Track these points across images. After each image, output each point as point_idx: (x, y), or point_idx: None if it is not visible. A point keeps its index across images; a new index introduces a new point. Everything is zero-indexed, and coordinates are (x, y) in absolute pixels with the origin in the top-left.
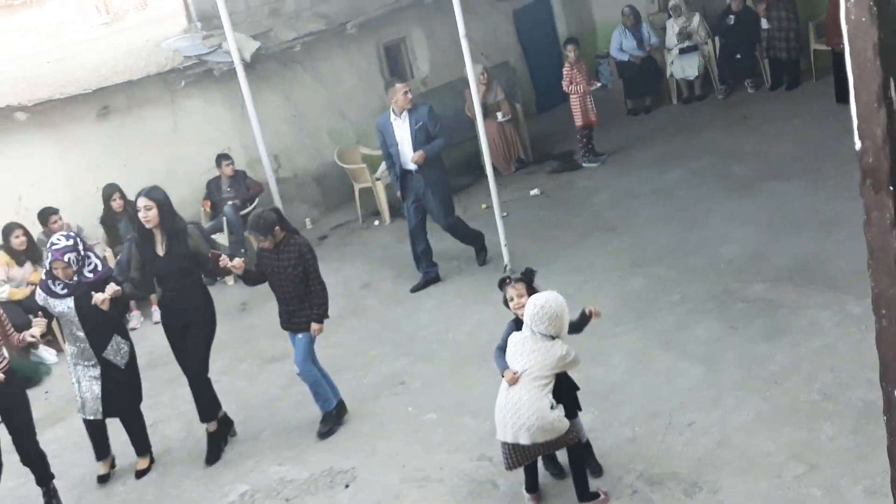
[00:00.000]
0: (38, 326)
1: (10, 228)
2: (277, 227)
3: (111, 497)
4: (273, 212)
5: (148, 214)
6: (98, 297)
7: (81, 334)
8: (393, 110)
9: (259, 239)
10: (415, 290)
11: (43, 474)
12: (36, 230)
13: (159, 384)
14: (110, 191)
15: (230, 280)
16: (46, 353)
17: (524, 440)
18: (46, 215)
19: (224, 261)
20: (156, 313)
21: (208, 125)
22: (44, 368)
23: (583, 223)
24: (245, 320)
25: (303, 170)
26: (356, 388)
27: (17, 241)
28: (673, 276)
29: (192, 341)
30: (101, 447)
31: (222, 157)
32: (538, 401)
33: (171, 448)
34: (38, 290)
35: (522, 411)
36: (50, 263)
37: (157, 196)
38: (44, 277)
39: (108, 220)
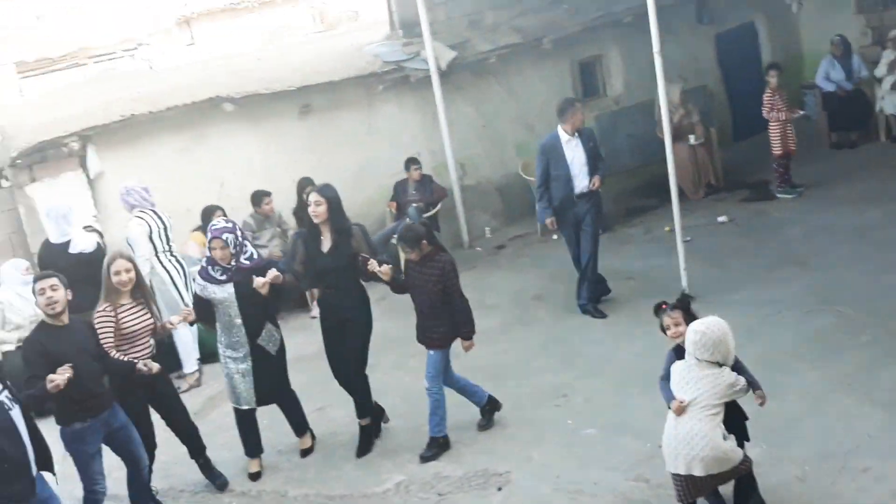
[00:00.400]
0: (183, 314)
1: (210, 210)
2: (424, 241)
3: (276, 472)
4: (422, 226)
5: (318, 210)
6: (258, 281)
7: (238, 321)
8: (565, 131)
9: (406, 250)
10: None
11: (196, 447)
12: (236, 216)
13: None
14: (304, 184)
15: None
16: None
17: (698, 471)
18: (260, 196)
19: (373, 266)
20: (315, 310)
21: (400, 129)
22: None
23: (771, 255)
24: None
25: (486, 179)
26: (517, 396)
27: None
28: (863, 317)
29: (349, 340)
30: (252, 440)
31: (411, 162)
32: (710, 431)
33: (336, 431)
34: (197, 279)
35: (695, 442)
36: (209, 243)
37: (329, 193)
38: (204, 264)
39: (301, 212)
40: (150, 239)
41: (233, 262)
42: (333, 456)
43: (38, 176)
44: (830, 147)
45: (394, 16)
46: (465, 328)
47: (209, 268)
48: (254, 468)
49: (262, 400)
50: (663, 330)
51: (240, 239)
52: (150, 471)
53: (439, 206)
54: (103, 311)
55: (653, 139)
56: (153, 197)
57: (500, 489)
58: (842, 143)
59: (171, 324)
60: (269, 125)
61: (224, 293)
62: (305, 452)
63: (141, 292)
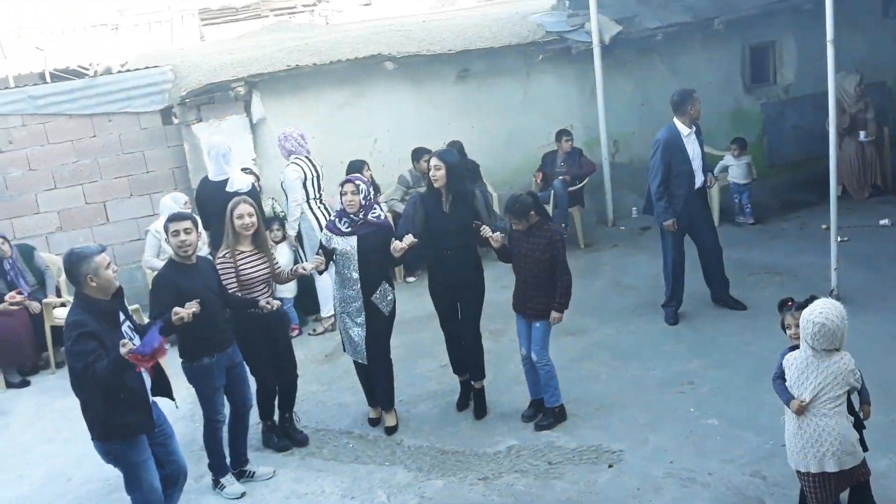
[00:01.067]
0: (314, 262)
1: (358, 164)
2: (532, 212)
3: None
4: (529, 196)
5: (437, 174)
6: (396, 245)
7: (356, 275)
8: (684, 123)
9: (514, 221)
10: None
11: (288, 402)
12: (385, 172)
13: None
14: (452, 146)
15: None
16: None
17: (831, 467)
18: (420, 153)
19: (485, 231)
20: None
21: (555, 101)
22: None
23: None
24: None
25: (639, 158)
26: (641, 378)
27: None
28: None
29: (465, 304)
30: (372, 389)
31: (563, 133)
32: (838, 424)
33: (456, 389)
34: (325, 230)
35: (823, 438)
36: (342, 186)
37: (448, 159)
38: (333, 216)
39: None
40: (304, 185)
41: (360, 214)
42: (451, 412)
43: (205, 116)
44: None
45: None
46: (562, 299)
47: (336, 220)
48: (373, 414)
49: (370, 358)
50: (783, 328)
51: (370, 194)
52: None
53: (587, 180)
54: (223, 257)
55: (821, 132)
56: (308, 144)
57: (610, 466)
58: None
59: (304, 269)
60: (426, 87)
61: (346, 245)
62: (390, 430)
63: (260, 239)
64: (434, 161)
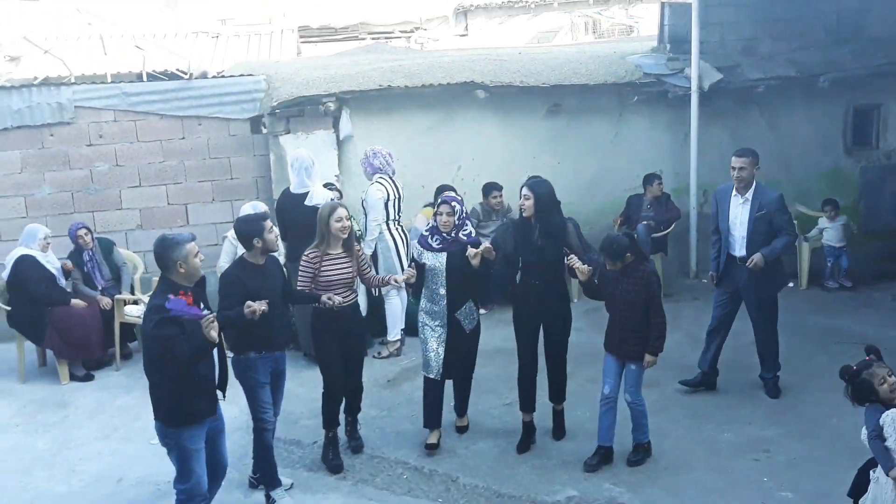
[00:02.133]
0: (406, 274)
1: (444, 189)
2: (629, 254)
3: (452, 456)
4: (626, 236)
5: (525, 203)
6: (472, 250)
7: (443, 291)
8: (736, 186)
9: (609, 262)
10: (685, 382)
11: (354, 405)
12: (466, 199)
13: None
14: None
15: None
16: None
17: None
18: (490, 189)
19: (572, 260)
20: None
21: (647, 144)
22: None
23: None
24: None
25: None
26: (714, 440)
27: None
28: None
29: (552, 334)
30: (434, 411)
31: (654, 177)
32: None
33: (518, 430)
34: (416, 244)
35: None
36: (438, 206)
37: (539, 190)
38: (424, 232)
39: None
40: (385, 205)
41: (452, 233)
42: (511, 453)
43: (293, 128)
44: None
45: (665, 29)
46: (657, 342)
47: (429, 236)
48: (432, 439)
49: (447, 373)
50: (869, 391)
51: (464, 214)
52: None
53: (672, 227)
54: (310, 257)
55: None
56: (394, 165)
57: None
58: None
59: (396, 280)
60: (516, 118)
61: (436, 261)
62: (461, 430)
63: (350, 243)
64: (525, 191)
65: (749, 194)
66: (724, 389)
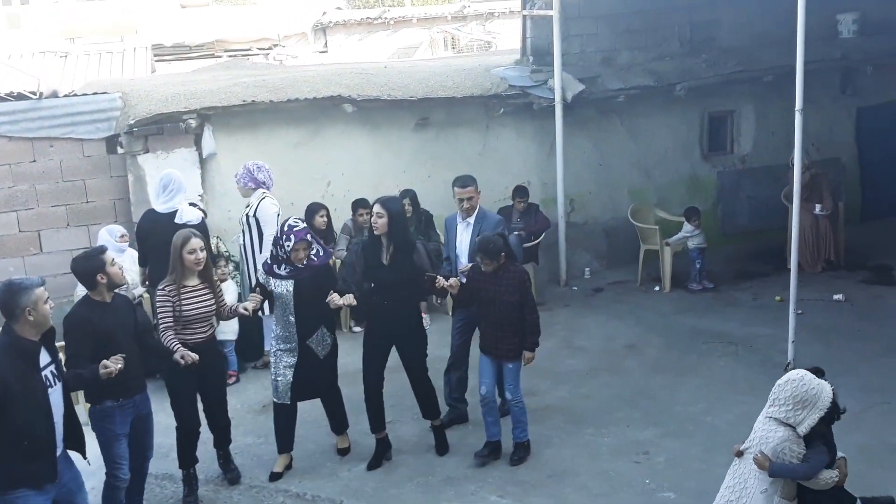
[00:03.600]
0: (252, 301)
1: (315, 208)
2: (503, 254)
3: (335, 480)
4: (500, 237)
5: (378, 222)
6: (335, 300)
7: (292, 318)
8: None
9: (485, 262)
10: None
11: (223, 440)
12: (336, 216)
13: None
14: (403, 195)
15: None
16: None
17: None
18: (357, 206)
19: (440, 282)
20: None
21: (514, 155)
22: None
23: (885, 341)
24: None
25: (594, 219)
26: (594, 445)
27: (320, 221)
28: None
29: (408, 355)
30: (285, 436)
31: (518, 193)
32: None
33: (400, 449)
34: (260, 271)
35: None
36: (292, 245)
37: (391, 207)
38: (268, 261)
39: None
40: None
41: (304, 262)
42: (396, 473)
43: (152, 147)
44: None
45: (527, 42)
46: (532, 339)
47: (274, 266)
48: (277, 468)
49: (296, 396)
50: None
51: (318, 251)
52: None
53: (542, 237)
54: (167, 290)
55: (775, 204)
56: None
57: None
58: None
59: (246, 309)
60: (384, 132)
61: (282, 289)
62: (342, 452)
63: (207, 274)
64: (377, 208)
65: (472, 219)
66: (600, 394)
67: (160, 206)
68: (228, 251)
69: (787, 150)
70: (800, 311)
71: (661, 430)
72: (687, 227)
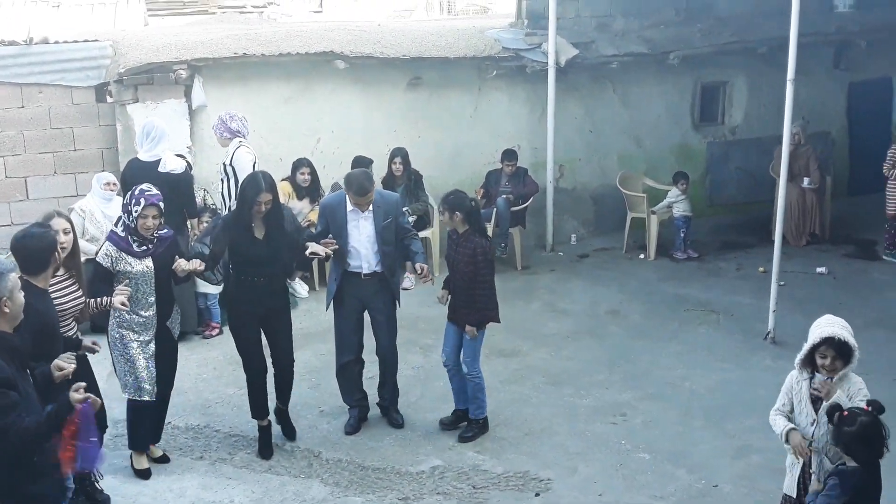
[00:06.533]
0: (122, 294)
1: (299, 163)
2: (458, 213)
3: (314, 432)
4: (471, 202)
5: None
6: (183, 265)
7: (152, 299)
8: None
9: (440, 211)
10: (351, 432)
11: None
12: (325, 174)
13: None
14: (395, 154)
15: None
16: (300, 288)
17: None
18: (298, 165)
19: (315, 248)
20: None
21: (505, 119)
22: (293, 301)
23: (866, 315)
24: None
25: (582, 185)
26: (573, 406)
27: (302, 178)
28: None
29: (281, 330)
30: (149, 433)
31: (507, 156)
32: None
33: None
34: (107, 248)
35: None
36: (140, 210)
37: (272, 180)
38: (120, 232)
39: (389, 182)
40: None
41: (155, 234)
42: (375, 427)
43: (142, 97)
44: None
45: (523, 5)
46: (477, 314)
47: (129, 238)
48: (142, 464)
49: (161, 391)
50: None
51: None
52: None
53: (530, 201)
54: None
55: (763, 177)
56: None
57: (537, 494)
58: None
59: (112, 304)
60: (376, 91)
61: (142, 266)
62: (143, 474)
63: (73, 262)
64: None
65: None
66: (581, 357)
67: (144, 155)
68: (215, 204)
69: (777, 123)
70: (782, 283)
71: (639, 393)
72: (674, 191)
